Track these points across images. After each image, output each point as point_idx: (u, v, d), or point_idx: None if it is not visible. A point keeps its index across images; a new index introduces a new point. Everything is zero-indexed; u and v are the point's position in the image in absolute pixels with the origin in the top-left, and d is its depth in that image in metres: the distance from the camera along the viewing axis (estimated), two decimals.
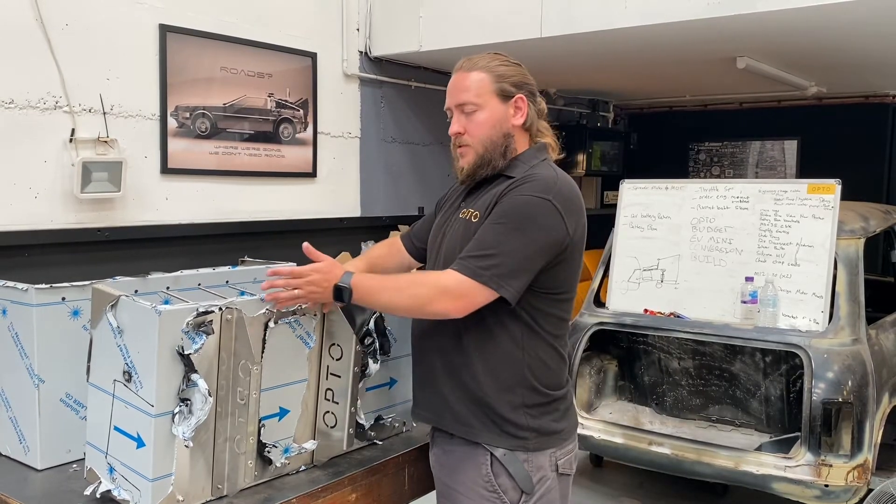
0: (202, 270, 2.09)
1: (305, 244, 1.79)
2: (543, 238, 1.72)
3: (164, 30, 3.68)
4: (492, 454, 1.78)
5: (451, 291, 1.70)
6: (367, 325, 1.95)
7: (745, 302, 3.50)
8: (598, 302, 3.98)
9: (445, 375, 1.83)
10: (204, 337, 1.57)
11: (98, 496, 1.64)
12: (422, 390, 1.93)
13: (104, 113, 3.45)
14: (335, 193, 4.68)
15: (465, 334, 1.79)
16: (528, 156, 1.87)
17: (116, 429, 1.62)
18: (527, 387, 1.79)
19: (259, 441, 1.72)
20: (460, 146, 1.87)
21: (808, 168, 6.71)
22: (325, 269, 1.73)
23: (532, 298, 1.77)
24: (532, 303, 1.77)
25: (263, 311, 1.69)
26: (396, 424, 2.10)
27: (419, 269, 2.12)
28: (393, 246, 2.17)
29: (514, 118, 1.86)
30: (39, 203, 3.29)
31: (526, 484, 1.77)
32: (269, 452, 1.75)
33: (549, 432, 1.80)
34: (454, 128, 1.87)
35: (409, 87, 5.11)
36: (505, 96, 1.84)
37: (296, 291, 1.70)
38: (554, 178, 1.79)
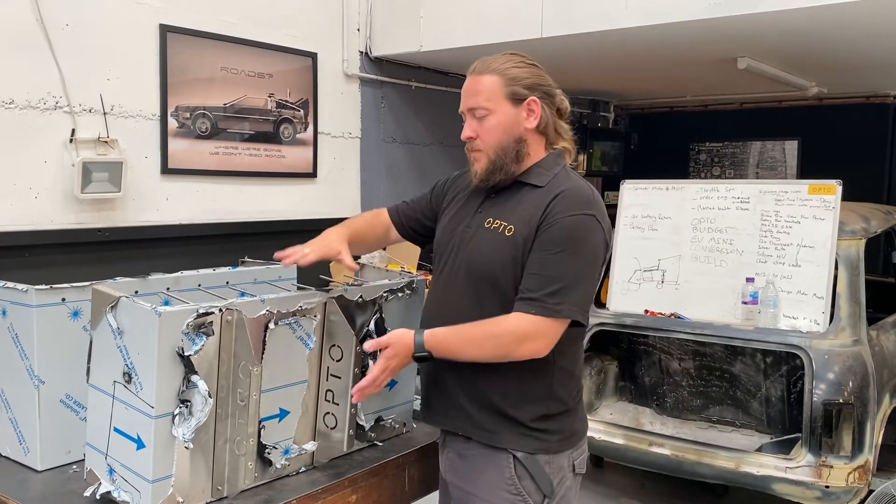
0: (202, 271, 2.08)
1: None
2: (597, 255, 1.77)
3: (165, 30, 3.68)
4: (514, 456, 1.77)
5: (533, 334, 1.69)
6: (368, 326, 1.95)
7: (745, 303, 3.50)
8: (599, 303, 3.97)
9: (460, 384, 1.81)
10: (204, 338, 1.57)
11: (98, 497, 1.63)
12: (433, 394, 1.90)
13: (104, 113, 3.45)
14: (335, 194, 4.68)
15: None
16: (548, 163, 1.84)
17: (116, 430, 1.61)
18: (552, 398, 1.79)
19: (259, 442, 1.72)
20: (473, 150, 1.84)
21: (809, 168, 6.71)
22: (397, 350, 1.74)
23: None
24: None
25: (263, 311, 1.68)
26: (396, 426, 2.10)
27: (425, 261, 2.11)
28: (377, 218, 2.13)
29: (527, 121, 1.81)
30: (40, 203, 3.28)
31: (547, 487, 1.78)
32: (269, 454, 1.75)
33: (569, 434, 1.82)
34: (466, 132, 1.84)
35: (409, 88, 5.10)
36: (517, 99, 1.80)
37: (381, 378, 1.76)
38: (586, 189, 1.81)
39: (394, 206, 2.15)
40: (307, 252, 1.83)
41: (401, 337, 1.75)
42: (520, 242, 1.75)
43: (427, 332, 1.74)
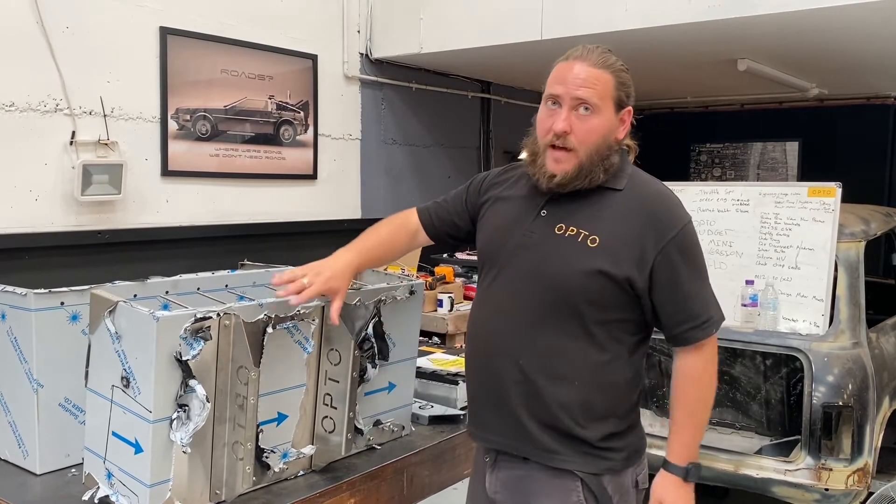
0: (201, 275, 2.08)
1: None
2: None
3: (165, 32, 3.69)
4: (582, 480, 1.66)
5: (714, 356, 1.71)
6: (366, 329, 1.95)
7: (745, 305, 3.49)
8: None
9: (521, 400, 1.67)
10: (202, 343, 1.57)
11: (96, 501, 1.64)
12: (485, 409, 1.74)
13: (105, 115, 3.46)
14: (336, 195, 4.68)
15: (564, 362, 1.64)
16: (624, 162, 1.70)
17: (115, 434, 1.62)
18: (619, 415, 1.70)
19: (257, 446, 1.72)
20: (560, 147, 1.61)
21: (810, 169, 6.71)
22: (674, 497, 1.80)
23: (642, 329, 1.73)
24: (641, 331, 1.74)
25: (261, 316, 1.69)
26: (395, 429, 2.10)
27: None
28: (402, 227, 1.94)
29: (618, 131, 1.66)
30: (40, 205, 3.29)
31: None
32: (267, 458, 1.75)
33: (633, 451, 1.75)
34: (562, 125, 1.59)
35: (409, 89, 5.11)
36: (619, 106, 1.65)
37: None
38: (669, 191, 1.72)
39: (424, 206, 1.96)
40: (306, 285, 1.68)
41: (668, 486, 1.78)
42: (616, 259, 1.60)
43: (671, 458, 1.77)
